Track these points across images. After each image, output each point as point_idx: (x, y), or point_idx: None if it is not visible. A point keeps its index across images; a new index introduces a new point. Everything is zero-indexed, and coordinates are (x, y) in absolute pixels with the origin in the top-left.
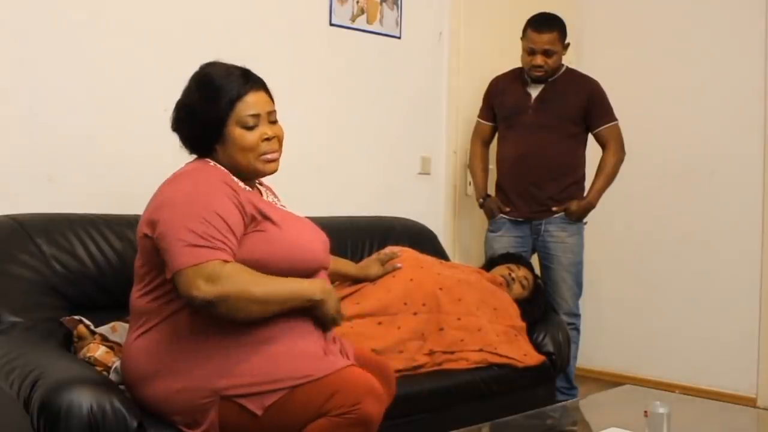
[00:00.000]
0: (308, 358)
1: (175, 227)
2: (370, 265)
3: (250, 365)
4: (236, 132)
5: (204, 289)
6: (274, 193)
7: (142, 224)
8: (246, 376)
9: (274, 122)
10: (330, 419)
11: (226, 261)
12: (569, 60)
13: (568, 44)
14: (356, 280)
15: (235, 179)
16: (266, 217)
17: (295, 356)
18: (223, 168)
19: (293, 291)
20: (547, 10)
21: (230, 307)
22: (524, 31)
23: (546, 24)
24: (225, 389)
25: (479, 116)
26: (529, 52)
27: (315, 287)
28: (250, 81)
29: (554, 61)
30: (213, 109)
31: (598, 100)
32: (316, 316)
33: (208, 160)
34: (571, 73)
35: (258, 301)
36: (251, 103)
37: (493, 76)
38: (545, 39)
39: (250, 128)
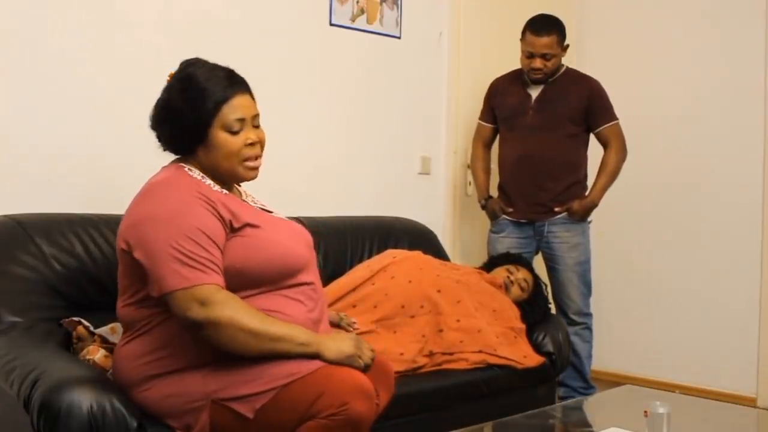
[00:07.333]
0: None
1: (159, 246)
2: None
3: (238, 368)
4: (221, 136)
5: (197, 312)
6: (249, 195)
7: (120, 238)
8: (234, 379)
9: (257, 126)
10: (318, 422)
11: (219, 286)
12: (569, 60)
13: (568, 46)
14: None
15: (210, 183)
16: (243, 221)
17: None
18: (197, 174)
19: (286, 333)
20: (548, 11)
21: (220, 334)
22: (523, 33)
23: (544, 27)
24: (215, 392)
25: (480, 118)
26: (528, 55)
27: (310, 336)
28: (235, 84)
29: (553, 63)
30: (197, 111)
31: (598, 99)
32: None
33: (183, 165)
34: (571, 72)
35: (248, 332)
36: (237, 106)
37: (493, 76)
38: (544, 42)
39: (234, 132)
